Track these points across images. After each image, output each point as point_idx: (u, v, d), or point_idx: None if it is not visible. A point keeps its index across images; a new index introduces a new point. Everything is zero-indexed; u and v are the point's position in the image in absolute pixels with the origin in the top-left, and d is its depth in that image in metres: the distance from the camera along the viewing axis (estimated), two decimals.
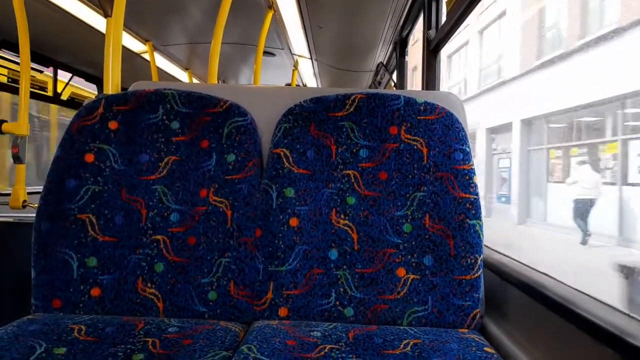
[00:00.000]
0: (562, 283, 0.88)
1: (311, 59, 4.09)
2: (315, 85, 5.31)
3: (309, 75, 4.86)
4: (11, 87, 3.06)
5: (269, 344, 0.90)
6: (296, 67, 4.32)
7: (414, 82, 6.01)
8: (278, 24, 3.12)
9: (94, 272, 1.08)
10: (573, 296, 0.81)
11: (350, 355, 0.87)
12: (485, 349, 0.91)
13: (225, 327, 1.01)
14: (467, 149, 1.12)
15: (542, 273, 0.97)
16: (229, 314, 1.08)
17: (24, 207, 2.37)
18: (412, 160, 1.12)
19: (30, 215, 2.21)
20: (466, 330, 1.02)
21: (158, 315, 1.07)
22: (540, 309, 0.87)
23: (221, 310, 1.08)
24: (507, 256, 1.15)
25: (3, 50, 3.02)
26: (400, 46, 3.27)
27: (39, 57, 3.32)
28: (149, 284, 1.08)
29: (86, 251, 1.08)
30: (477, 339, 0.95)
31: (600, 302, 0.77)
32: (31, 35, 2.31)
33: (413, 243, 1.08)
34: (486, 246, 1.16)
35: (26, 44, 2.31)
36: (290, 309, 1.06)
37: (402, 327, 1.02)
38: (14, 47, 2.94)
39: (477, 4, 1.55)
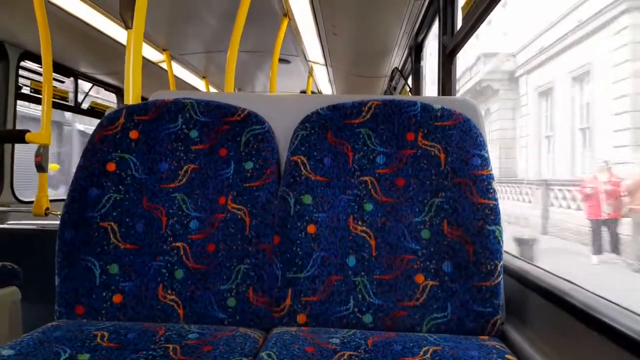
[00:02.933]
0: (585, 289, 0.87)
1: (326, 65, 4.11)
2: (330, 92, 5.32)
3: (323, 82, 4.87)
4: (34, 97, 3.13)
5: (288, 350, 0.90)
6: (311, 73, 4.34)
7: None
8: (293, 31, 3.14)
9: (116, 279, 1.09)
10: (596, 302, 0.79)
11: None
12: (507, 356, 0.90)
13: (245, 333, 1.01)
14: (485, 154, 1.11)
15: (563, 279, 0.95)
16: (248, 320, 1.08)
17: (46, 214, 2.41)
18: (429, 166, 1.12)
19: (53, 222, 2.26)
20: (486, 337, 1.01)
21: (178, 322, 1.08)
22: (562, 315, 0.86)
23: (240, 317, 1.08)
24: (528, 262, 1.14)
25: (26, 61, 3.10)
26: (416, 51, 3.26)
27: (61, 67, 3.40)
28: (169, 291, 1.09)
29: (108, 258, 1.10)
30: (497, 346, 0.94)
31: (625, 308, 0.76)
32: (53, 47, 2.37)
33: (432, 249, 1.07)
34: (506, 252, 1.15)
35: (48, 55, 2.36)
36: (308, 316, 1.06)
37: (421, 334, 1.01)
38: (37, 59, 3.02)
39: (493, 9, 1.54)
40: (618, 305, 0.78)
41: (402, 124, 1.15)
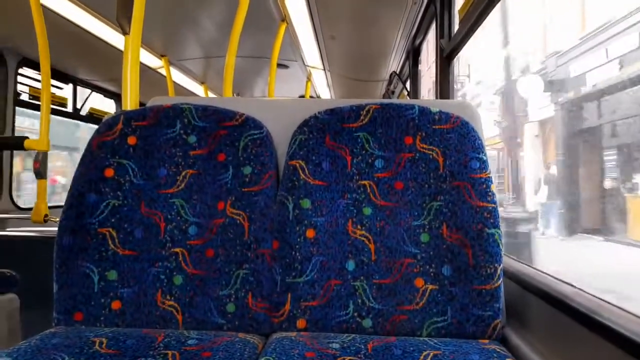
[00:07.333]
0: (586, 292, 0.87)
1: (324, 69, 4.12)
2: (328, 96, 5.33)
3: (322, 86, 4.89)
4: (32, 104, 3.13)
5: (287, 355, 0.90)
6: (309, 78, 4.35)
7: None
8: (291, 36, 3.15)
9: (115, 285, 1.09)
10: (597, 306, 0.79)
11: None
12: None
13: (244, 339, 1.01)
14: (483, 157, 1.11)
15: (564, 282, 0.95)
16: (247, 325, 1.08)
17: (45, 221, 2.41)
18: (427, 169, 1.12)
19: (52, 229, 2.25)
20: (487, 341, 1.01)
21: (177, 328, 1.08)
22: (563, 318, 0.85)
23: (239, 322, 1.08)
24: (528, 265, 1.14)
25: (24, 68, 3.10)
26: (414, 55, 3.27)
27: (59, 74, 3.40)
28: (168, 297, 1.09)
29: (107, 265, 1.10)
30: (498, 350, 0.94)
31: (627, 311, 0.75)
32: (51, 53, 2.37)
33: (431, 253, 1.07)
34: (506, 255, 1.15)
35: (47, 62, 2.37)
36: (308, 321, 1.06)
37: (421, 338, 1.01)
38: (35, 65, 3.02)
39: (490, 12, 1.55)
40: (621, 308, 0.77)
41: (400, 128, 1.15)
